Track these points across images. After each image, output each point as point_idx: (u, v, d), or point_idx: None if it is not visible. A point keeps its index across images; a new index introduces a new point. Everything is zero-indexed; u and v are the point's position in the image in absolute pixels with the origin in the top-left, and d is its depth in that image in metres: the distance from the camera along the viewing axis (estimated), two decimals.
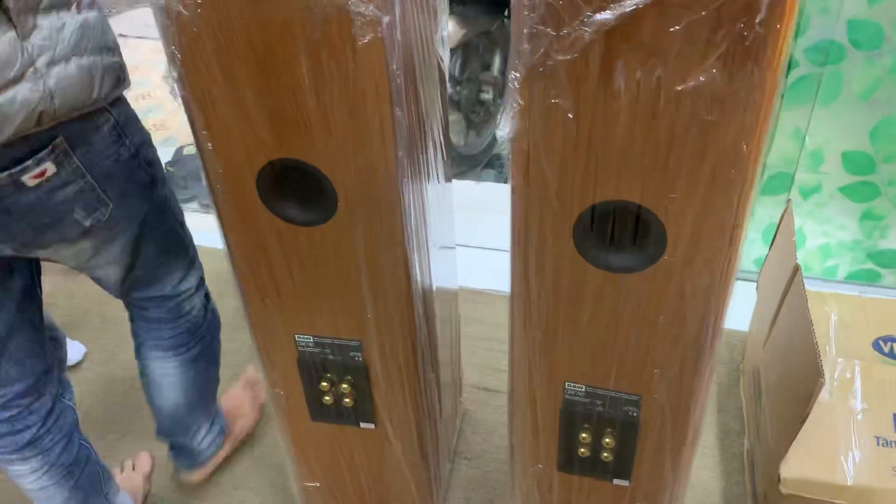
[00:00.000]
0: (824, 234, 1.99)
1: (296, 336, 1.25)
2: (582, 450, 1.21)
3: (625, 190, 0.91)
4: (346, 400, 1.31)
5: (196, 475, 1.71)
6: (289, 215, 1.09)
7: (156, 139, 1.33)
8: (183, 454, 1.68)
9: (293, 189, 1.07)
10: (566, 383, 1.14)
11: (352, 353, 1.25)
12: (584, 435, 1.19)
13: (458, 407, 1.83)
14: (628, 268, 0.98)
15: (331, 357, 1.27)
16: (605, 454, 1.20)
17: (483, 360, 1.97)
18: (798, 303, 1.39)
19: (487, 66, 3.20)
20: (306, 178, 1.04)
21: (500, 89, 3.20)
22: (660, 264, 0.96)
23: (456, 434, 1.79)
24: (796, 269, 1.44)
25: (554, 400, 1.17)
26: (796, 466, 1.34)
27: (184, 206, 1.47)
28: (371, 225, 1.07)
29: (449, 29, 2.90)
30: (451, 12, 2.97)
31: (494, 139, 3.28)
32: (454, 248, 1.62)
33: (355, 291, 1.15)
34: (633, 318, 1.02)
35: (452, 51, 3.00)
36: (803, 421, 1.26)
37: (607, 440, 1.18)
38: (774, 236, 1.66)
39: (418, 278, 1.19)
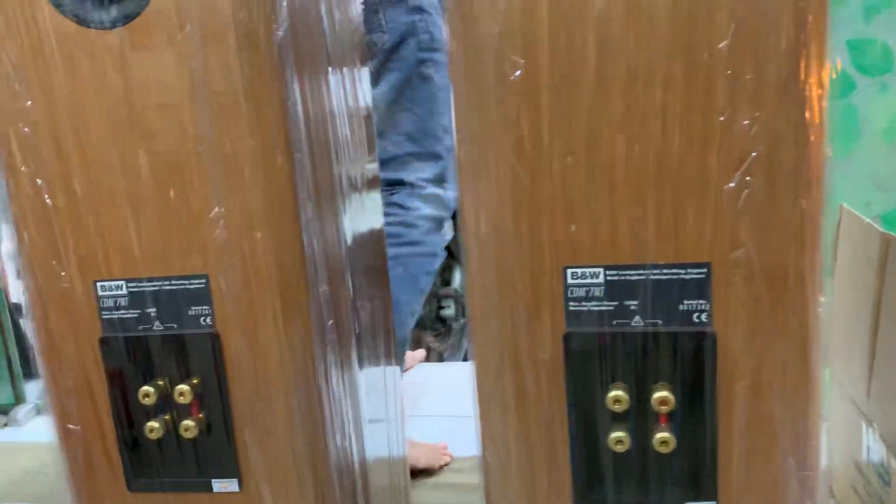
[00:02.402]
0: None
1: (96, 282, 0.72)
2: (617, 434, 0.63)
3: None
4: (186, 428, 0.73)
5: None
6: None
7: None
8: None
9: None
10: (567, 269, 0.62)
11: (195, 311, 0.72)
12: (616, 395, 0.62)
13: None
14: None
15: (159, 328, 0.73)
16: (662, 437, 0.62)
17: None
18: None
19: (447, 282, 2.88)
20: None
21: (463, 305, 2.84)
22: None
23: None
24: (888, 240, 0.98)
25: (551, 301, 0.63)
26: None
27: None
28: None
29: None
30: None
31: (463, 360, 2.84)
32: (398, 420, 1.14)
33: None
34: None
35: None
36: None
37: (661, 395, 0.61)
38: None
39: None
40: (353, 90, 0.91)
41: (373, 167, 1.00)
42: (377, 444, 0.98)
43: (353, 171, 0.89)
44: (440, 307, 2.83)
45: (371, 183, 0.99)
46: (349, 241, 0.85)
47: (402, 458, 1.16)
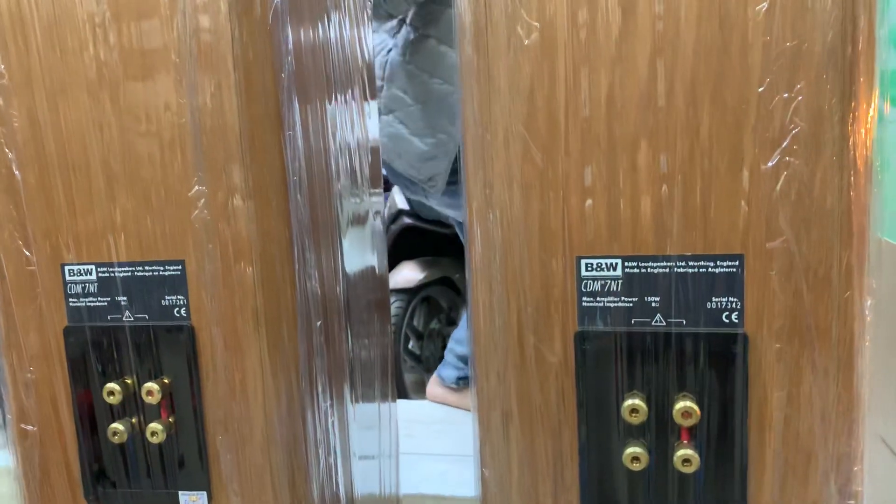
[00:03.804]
0: None
1: (64, 266, 0.66)
2: (633, 450, 0.55)
3: None
4: (154, 432, 0.66)
5: None
6: None
7: None
8: None
9: None
10: (581, 259, 0.55)
11: (169, 301, 0.65)
12: (633, 404, 0.55)
13: None
14: None
15: (129, 319, 0.66)
16: (684, 455, 0.54)
17: None
18: None
19: (453, 321, 2.80)
20: None
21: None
22: None
23: None
24: None
25: (562, 323, 0.56)
26: None
27: None
28: None
29: (406, 273, 2.60)
30: (411, 258, 2.70)
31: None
32: (393, 458, 1.08)
33: None
34: None
35: (411, 300, 2.66)
36: None
37: (684, 406, 0.54)
38: None
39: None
40: (360, 123, 0.87)
41: (377, 200, 0.95)
42: (368, 480, 0.91)
43: (355, 204, 0.85)
44: (445, 346, 2.75)
45: (375, 217, 0.94)
46: (349, 272, 0.80)
47: (394, 497, 1.08)
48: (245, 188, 0.62)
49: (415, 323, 2.73)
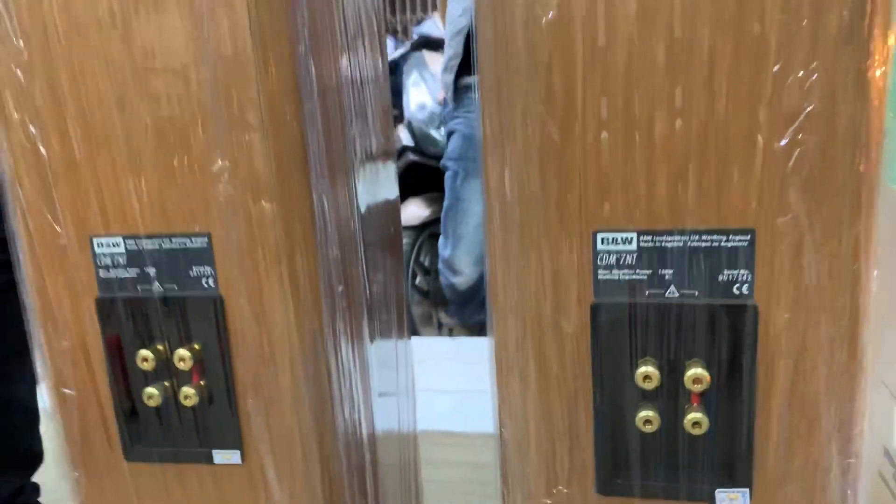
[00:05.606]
0: None
1: (93, 238, 0.68)
2: (645, 413, 0.58)
3: None
4: (186, 395, 0.69)
5: None
6: None
7: None
8: None
9: None
10: (597, 234, 0.57)
11: (197, 272, 0.67)
12: (646, 371, 0.58)
13: None
14: None
15: (159, 290, 0.68)
16: (694, 418, 0.57)
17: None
18: None
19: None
20: None
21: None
22: None
23: None
24: None
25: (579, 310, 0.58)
26: None
27: None
28: None
29: (412, 210, 2.61)
30: (417, 194, 2.71)
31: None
32: (409, 395, 1.10)
33: None
34: None
35: (417, 237, 2.68)
36: None
37: (695, 372, 0.57)
38: None
39: None
40: (371, 59, 0.87)
41: (388, 137, 0.96)
42: (387, 417, 0.95)
43: (367, 140, 0.86)
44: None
45: (386, 154, 0.95)
46: (363, 210, 0.82)
47: (412, 434, 1.12)
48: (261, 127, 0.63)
49: (422, 259, 2.76)
